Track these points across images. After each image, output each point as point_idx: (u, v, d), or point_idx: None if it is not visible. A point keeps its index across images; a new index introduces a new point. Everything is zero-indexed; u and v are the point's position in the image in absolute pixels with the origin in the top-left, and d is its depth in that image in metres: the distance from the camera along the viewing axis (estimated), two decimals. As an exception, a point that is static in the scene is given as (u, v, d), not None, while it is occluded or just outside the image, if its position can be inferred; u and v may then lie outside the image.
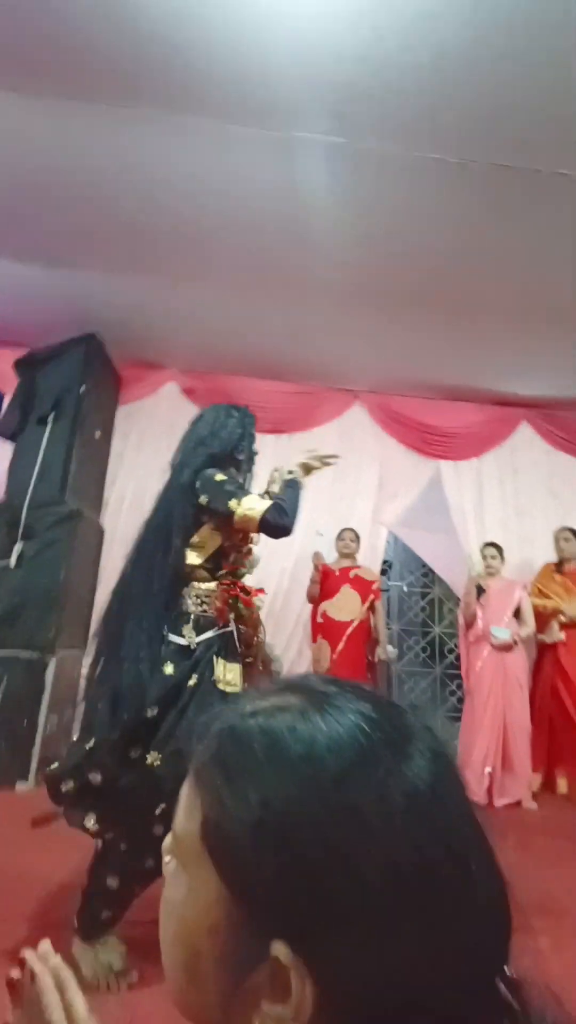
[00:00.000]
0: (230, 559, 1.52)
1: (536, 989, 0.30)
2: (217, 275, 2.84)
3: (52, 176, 2.32)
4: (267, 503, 1.46)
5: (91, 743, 1.32)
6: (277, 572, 3.43)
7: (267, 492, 1.65)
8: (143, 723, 1.30)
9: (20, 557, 2.89)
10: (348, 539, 3.38)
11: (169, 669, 1.36)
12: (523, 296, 2.79)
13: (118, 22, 1.70)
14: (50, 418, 3.13)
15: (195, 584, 1.47)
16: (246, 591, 1.54)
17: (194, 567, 1.48)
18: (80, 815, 1.30)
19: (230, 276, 2.84)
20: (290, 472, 1.58)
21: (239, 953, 0.29)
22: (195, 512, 1.48)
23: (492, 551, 3.28)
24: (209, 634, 1.42)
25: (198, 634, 1.41)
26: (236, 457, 1.59)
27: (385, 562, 4.27)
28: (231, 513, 1.44)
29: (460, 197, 2.25)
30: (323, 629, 3.27)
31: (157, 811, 1.21)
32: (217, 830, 0.30)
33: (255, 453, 1.68)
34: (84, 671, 3.31)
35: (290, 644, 3.48)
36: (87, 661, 3.50)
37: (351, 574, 3.33)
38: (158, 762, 1.26)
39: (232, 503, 1.44)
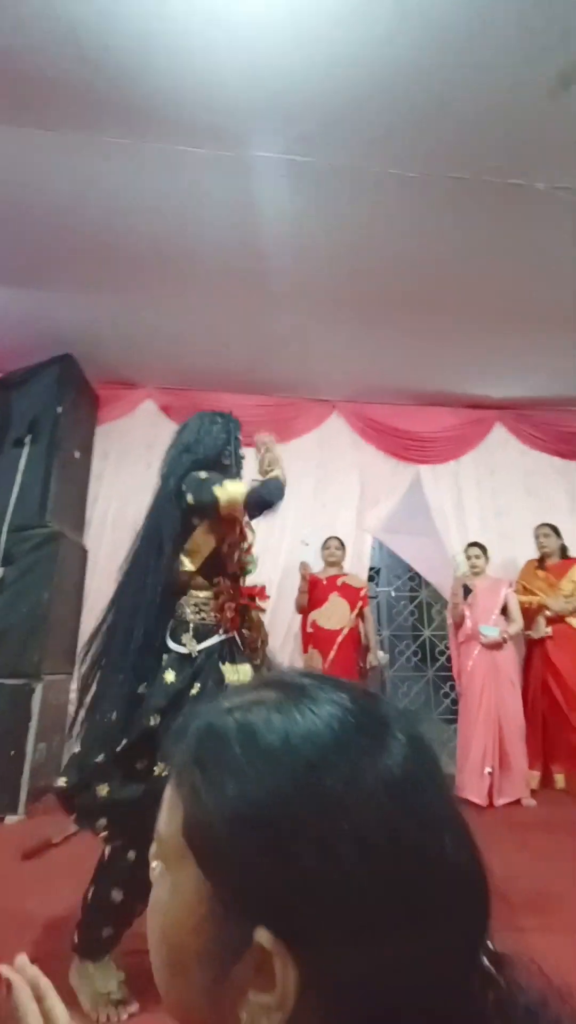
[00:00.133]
0: (230, 561, 1.51)
1: (522, 964, 0.31)
2: (188, 293, 2.87)
3: (17, 200, 2.33)
4: (243, 490, 1.46)
5: (99, 757, 1.31)
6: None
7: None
8: (145, 733, 1.28)
9: (1, 583, 2.83)
10: (333, 547, 3.39)
11: (170, 678, 1.35)
12: (489, 302, 2.87)
13: (74, 48, 1.73)
14: (27, 440, 3.10)
15: (192, 592, 1.47)
16: (251, 596, 1.56)
17: (190, 574, 1.48)
18: (91, 822, 1.30)
19: (201, 294, 2.87)
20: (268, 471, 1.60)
21: (223, 945, 0.29)
22: (185, 517, 1.48)
23: (476, 551, 3.32)
24: (210, 642, 1.42)
25: (198, 642, 1.41)
26: (222, 462, 1.60)
27: (372, 568, 4.29)
28: (216, 500, 1.44)
29: (422, 209, 2.33)
30: (313, 639, 3.26)
31: None
32: (197, 825, 0.31)
33: (242, 458, 1.68)
34: (72, 696, 3.26)
35: (281, 655, 3.46)
36: (75, 687, 3.44)
37: (338, 582, 3.34)
38: (165, 773, 1.24)
39: (216, 489, 1.45)
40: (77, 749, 1.39)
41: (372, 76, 1.79)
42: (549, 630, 3.21)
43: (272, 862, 0.28)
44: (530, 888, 1.82)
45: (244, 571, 1.55)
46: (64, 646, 3.19)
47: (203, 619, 1.44)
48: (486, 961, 0.30)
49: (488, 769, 2.90)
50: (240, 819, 0.29)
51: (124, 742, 1.29)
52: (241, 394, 3.79)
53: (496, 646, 3.09)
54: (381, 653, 3.50)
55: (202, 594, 1.47)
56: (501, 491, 3.85)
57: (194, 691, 1.33)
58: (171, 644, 1.41)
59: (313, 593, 3.31)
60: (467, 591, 3.25)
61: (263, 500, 1.47)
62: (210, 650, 1.41)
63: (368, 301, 2.90)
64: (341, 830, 0.28)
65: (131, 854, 1.28)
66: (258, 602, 1.58)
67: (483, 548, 3.34)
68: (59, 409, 3.18)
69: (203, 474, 1.49)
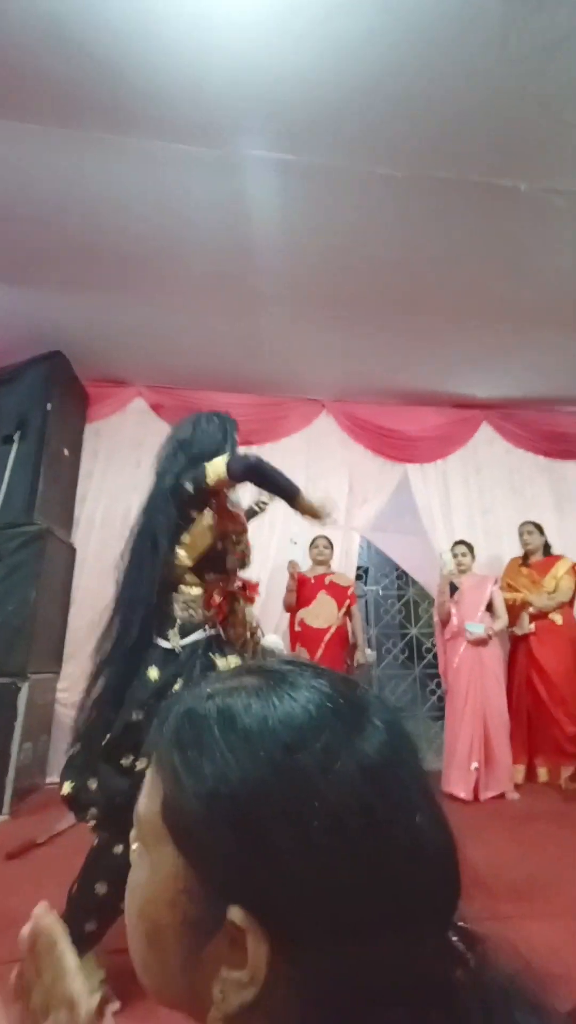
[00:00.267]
0: (229, 556, 1.53)
1: (494, 942, 0.32)
2: (177, 291, 2.88)
3: (6, 196, 2.32)
4: (223, 460, 1.47)
5: (87, 751, 1.33)
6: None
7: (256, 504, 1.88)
8: (128, 728, 1.29)
9: (-12, 580, 2.81)
10: (322, 546, 3.41)
11: (154, 674, 1.36)
12: (473, 301, 2.92)
13: (60, 44, 1.73)
14: (16, 437, 3.08)
15: (183, 588, 1.48)
16: (242, 585, 1.58)
17: (184, 569, 1.48)
18: (84, 812, 1.31)
19: (189, 291, 2.88)
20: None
21: (198, 921, 0.30)
22: (182, 511, 1.49)
23: (462, 549, 3.37)
24: (193, 637, 1.43)
25: (182, 637, 1.42)
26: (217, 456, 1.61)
27: (360, 567, 4.32)
28: (206, 476, 1.46)
29: (408, 208, 2.36)
30: (301, 637, 3.28)
31: None
32: (175, 805, 0.32)
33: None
34: (58, 696, 3.24)
35: (269, 653, 3.47)
36: (61, 685, 3.42)
37: (326, 580, 3.36)
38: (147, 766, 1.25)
39: (206, 466, 1.47)
40: (76, 747, 1.40)
41: (358, 75, 1.81)
42: (532, 626, 3.26)
43: (246, 841, 0.29)
44: (516, 876, 1.86)
45: (243, 564, 1.57)
46: (51, 645, 3.17)
47: (191, 616, 1.45)
48: (456, 939, 0.31)
49: (474, 764, 2.94)
50: (216, 799, 0.30)
51: (108, 736, 1.30)
52: (231, 393, 3.80)
53: (482, 643, 3.14)
54: (369, 651, 3.53)
55: (192, 591, 1.48)
56: (487, 489, 3.91)
57: (177, 686, 1.34)
58: (157, 640, 1.41)
59: (301, 592, 3.33)
60: (453, 589, 3.29)
61: (243, 468, 1.46)
62: (194, 646, 1.42)
63: (356, 301, 2.93)
64: (314, 811, 0.29)
65: (118, 848, 1.28)
66: (248, 594, 1.60)
67: (469, 546, 3.39)
68: (48, 406, 3.16)
69: (202, 465, 1.51)
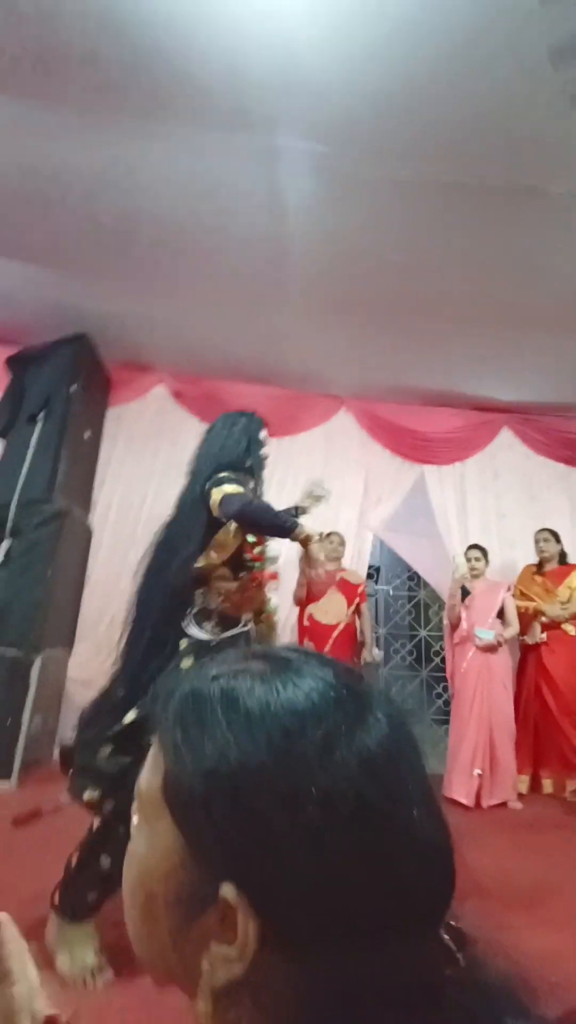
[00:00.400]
0: (248, 560, 1.58)
1: (486, 944, 0.32)
2: (204, 279, 2.90)
3: (41, 179, 2.36)
4: (224, 494, 1.50)
5: (111, 728, 1.35)
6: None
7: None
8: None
9: (7, 555, 2.87)
10: (336, 543, 3.42)
11: (187, 663, 1.40)
12: (501, 305, 2.89)
13: (106, 30, 1.76)
14: (40, 417, 3.14)
15: (218, 583, 1.53)
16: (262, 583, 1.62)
17: (215, 566, 1.54)
18: (81, 788, 1.33)
19: (216, 280, 2.90)
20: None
21: (191, 895, 0.31)
22: (207, 521, 1.55)
23: (476, 553, 3.34)
24: (233, 631, 1.50)
25: (223, 631, 1.48)
26: (245, 465, 1.66)
27: (371, 567, 4.31)
28: (210, 500, 1.51)
29: (437, 209, 2.34)
30: (309, 632, 3.29)
31: None
32: (175, 780, 0.32)
33: (264, 457, 1.72)
34: (70, 672, 3.30)
35: (277, 646, 3.49)
36: (73, 663, 3.49)
37: (337, 577, 3.36)
38: None
39: (212, 492, 1.51)
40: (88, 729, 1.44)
41: (394, 73, 1.80)
42: (544, 636, 3.22)
43: (241, 820, 0.30)
44: (516, 884, 1.86)
45: (265, 561, 1.61)
46: (64, 623, 3.24)
47: (226, 608, 1.52)
48: (446, 937, 0.31)
49: (477, 771, 2.92)
50: (215, 777, 0.31)
51: (133, 718, 1.33)
52: (252, 384, 3.82)
53: (491, 649, 3.11)
54: (376, 650, 3.53)
55: (227, 585, 1.53)
56: (504, 495, 3.87)
57: None
58: (192, 631, 1.47)
59: (311, 587, 3.34)
60: (465, 593, 3.27)
61: (238, 513, 1.48)
62: (234, 639, 1.48)
63: (381, 298, 2.92)
64: (310, 796, 0.29)
65: (123, 828, 1.31)
66: (269, 586, 1.64)
67: (483, 551, 3.36)
68: (72, 388, 3.21)
69: (223, 473, 1.57)
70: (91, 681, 3.27)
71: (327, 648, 3.19)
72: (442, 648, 3.82)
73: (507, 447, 3.97)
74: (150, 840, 0.34)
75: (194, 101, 1.97)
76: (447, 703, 3.60)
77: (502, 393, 3.83)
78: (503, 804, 2.90)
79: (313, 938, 0.29)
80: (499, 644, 3.11)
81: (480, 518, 3.80)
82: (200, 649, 1.44)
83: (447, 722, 3.31)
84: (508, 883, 1.84)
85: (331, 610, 3.30)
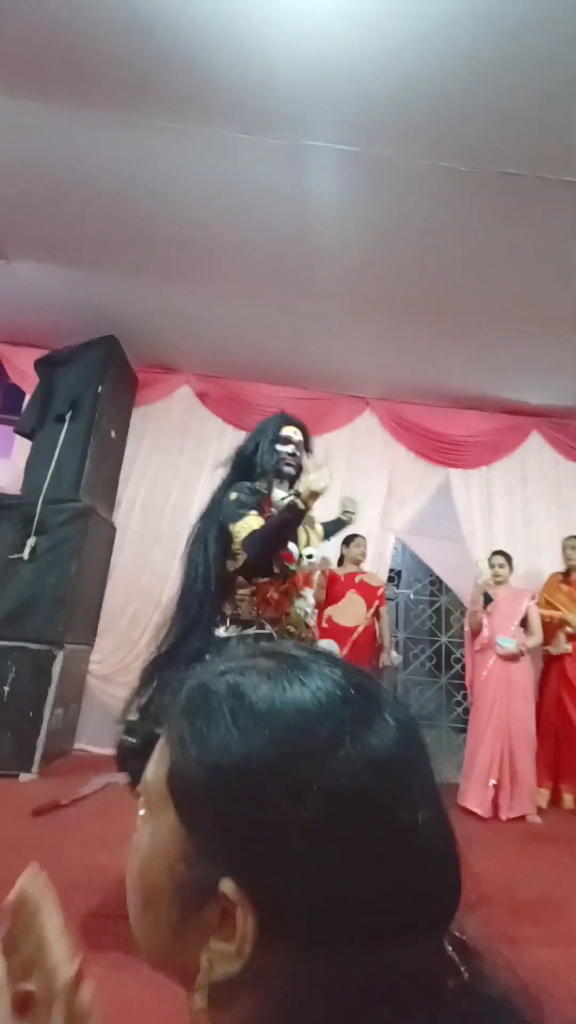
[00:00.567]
0: (272, 565, 1.62)
1: (491, 957, 0.31)
2: (230, 280, 2.91)
3: (72, 181, 2.41)
4: (250, 530, 1.55)
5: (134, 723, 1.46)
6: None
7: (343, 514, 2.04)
8: None
9: (33, 551, 2.95)
10: (364, 545, 3.40)
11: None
12: (533, 304, 2.81)
13: (135, 31, 1.78)
14: (67, 417, 3.21)
15: (236, 590, 1.61)
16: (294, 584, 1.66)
17: (233, 574, 1.61)
18: (123, 771, 1.41)
19: (242, 281, 2.91)
20: (285, 498, 1.64)
21: (192, 889, 0.31)
22: (219, 533, 1.62)
23: (500, 559, 3.27)
24: (249, 632, 1.56)
25: (240, 631, 1.56)
26: (260, 468, 1.70)
27: (392, 570, 4.27)
28: (233, 534, 1.59)
29: (470, 205, 2.29)
30: (328, 635, 3.27)
31: None
32: (180, 773, 0.33)
33: (280, 458, 1.73)
34: (91, 667, 3.38)
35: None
36: (95, 658, 3.57)
37: (357, 579, 3.34)
38: None
39: (234, 527, 1.58)
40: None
41: (423, 67, 1.78)
42: (569, 647, 3.13)
43: (243, 816, 0.30)
44: (528, 898, 1.81)
45: (285, 573, 1.63)
46: (87, 618, 3.31)
47: (239, 614, 1.59)
48: (450, 948, 0.30)
49: (492, 781, 2.86)
50: (218, 770, 0.31)
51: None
52: (276, 385, 3.83)
53: (512, 658, 3.04)
54: (395, 654, 3.49)
55: (241, 591, 1.60)
56: (532, 500, 3.77)
57: None
58: (217, 632, 1.57)
59: (331, 589, 3.32)
60: (488, 599, 3.20)
61: (249, 555, 1.56)
62: (245, 639, 1.55)
63: (409, 298, 2.88)
64: (311, 792, 0.29)
65: None
66: (301, 592, 1.67)
67: (508, 557, 3.28)
68: (100, 388, 3.28)
69: (233, 495, 1.62)
70: (112, 676, 3.34)
71: (346, 650, 3.17)
72: (463, 655, 3.76)
73: (536, 452, 3.87)
74: (154, 832, 0.34)
75: (223, 101, 1.98)
76: (466, 711, 3.53)
77: (533, 396, 3.73)
78: (522, 818, 2.84)
79: (312, 937, 0.28)
80: (521, 653, 3.04)
81: (506, 523, 3.72)
82: (217, 645, 1.52)
83: (466, 730, 3.25)
84: (518, 896, 1.80)
85: (350, 612, 3.28)
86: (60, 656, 2.88)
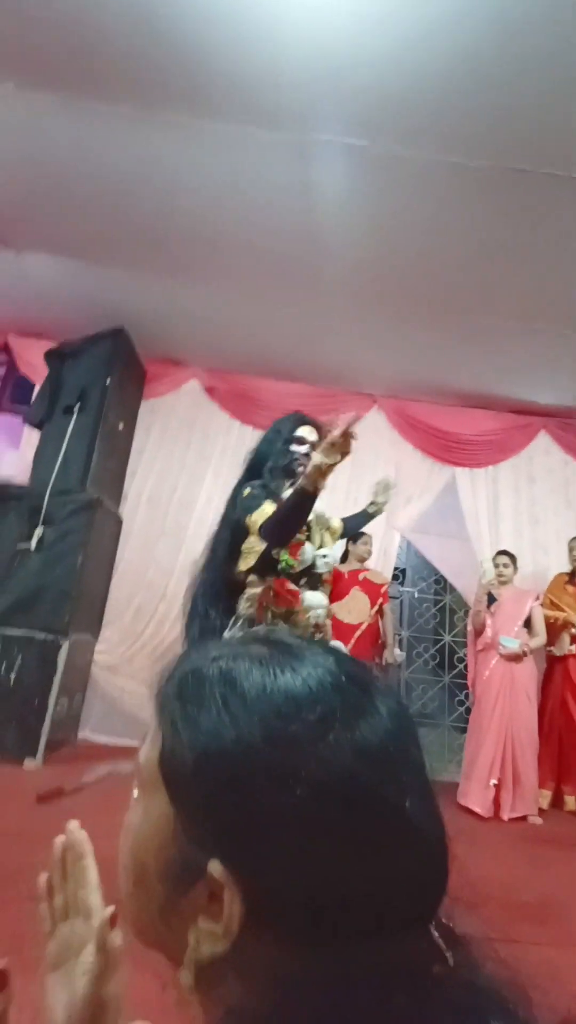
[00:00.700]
0: (276, 559, 1.63)
1: (479, 946, 0.31)
2: (238, 275, 2.91)
3: (81, 175, 2.41)
4: (265, 516, 1.56)
5: None
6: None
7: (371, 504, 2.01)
8: None
9: (40, 542, 2.97)
10: (371, 543, 3.40)
11: None
12: (543, 302, 2.79)
13: (144, 28, 1.77)
14: (76, 408, 3.23)
15: (248, 589, 1.62)
16: (289, 589, 1.64)
17: (244, 573, 1.62)
18: None
19: (250, 277, 2.90)
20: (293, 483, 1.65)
21: (181, 870, 0.31)
22: (239, 523, 1.63)
23: (504, 559, 3.26)
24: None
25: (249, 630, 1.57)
26: (274, 466, 1.71)
27: (397, 568, 4.26)
28: (248, 520, 1.59)
29: (479, 201, 2.27)
30: (331, 631, 3.28)
31: None
32: (171, 755, 0.33)
33: (294, 458, 1.73)
34: (96, 658, 3.40)
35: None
36: (99, 648, 3.60)
37: (360, 576, 3.35)
38: None
39: (250, 518, 1.58)
40: None
41: (432, 61, 1.76)
42: (573, 648, 3.12)
43: (231, 798, 0.30)
44: (526, 898, 1.82)
45: (283, 564, 1.64)
46: (92, 610, 3.33)
47: (252, 614, 1.59)
48: (436, 934, 0.30)
49: (493, 781, 2.87)
50: (208, 754, 0.31)
51: None
52: (284, 381, 3.82)
53: (515, 658, 3.04)
54: (397, 651, 3.50)
55: (253, 590, 1.61)
56: (539, 500, 3.75)
57: None
58: (226, 635, 1.58)
59: (335, 586, 3.32)
60: (491, 599, 3.19)
61: (267, 540, 1.58)
62: None
63: (418, 294, 2.86)
64: (299, 777, 0.29)
65: None
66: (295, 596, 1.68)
67: (512, 557, 3.27)
68: (108, 381, 3.29)
69: (247, 490, 1.63)
70: (116, 667, 3.38)
71: (349, 647, 3.18)
72: (466, 654, 3.75)
73: (544, 452, 3.84)
74: (145, 812, 0.34)
75: (231, 96, 1.97)
76: (469, 710, 3.53)
77: (542, 396, 3.70)
78: (523, 818, 2.84)
79: (296, 920, 0.29)
80: (524, 654, 3.04)
81: (512, 523, 3.70)
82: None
83: (467, 729, 3.26)
84: (516, 897, 1.81)
85: (354, 609, 3.29)
86: (65, 646, 2.90)
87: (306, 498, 1.50)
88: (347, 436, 1.40)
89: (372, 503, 2.20)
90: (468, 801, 2.84)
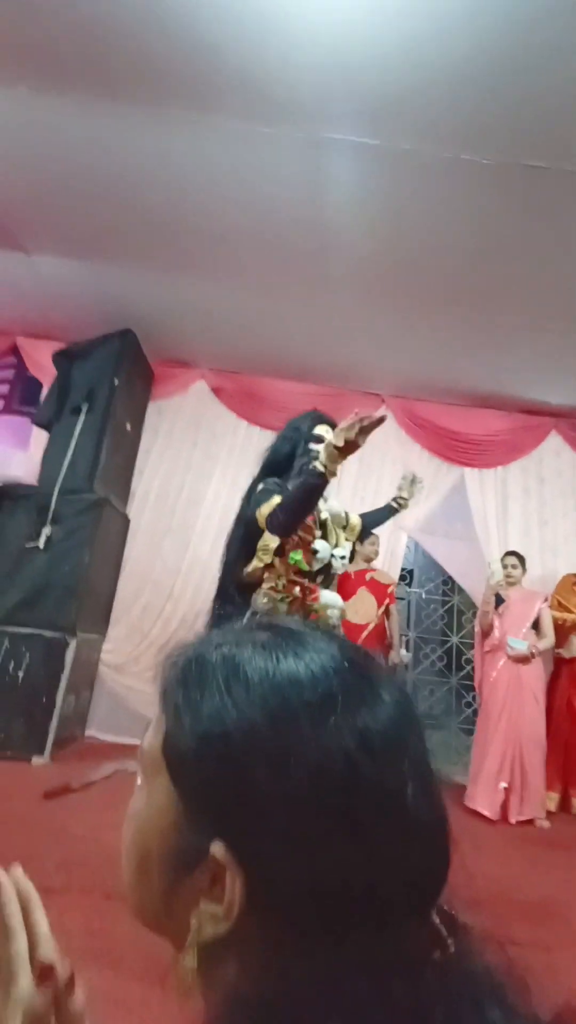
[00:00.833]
0: (287, 556, 1.64)
1: (480, 935, 0.31)
2: (246, 275, 2.91)
3: (90, 175, 2.42)
4: (266, 516, 1.57)
5: None
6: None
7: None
8: None
9: (48, 540, 3.00)
10: (377, 544, 3.39)
11: None
12: (555, 300, 2.76)
13: (153, 25, 1.78)
14: (83, 409, 3.25)
15: (263, 585, 1.62)
16: (308, 587, 1.66)
17: (261, 569, 1.63)
18: None
19: (258, 276, 2.90)
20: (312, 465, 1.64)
21: (183, 852, 0.32)
22: (251, 522, 1.63)
23: (513, 560, 3.23)
24: None
25: None
26: (290, 463, 1.72)
27: (404, 569, 4.24)
28: (257, 513, 1.60)
29: (489, 198, 2.26)
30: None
31: None
32: (174, 740, 0.33)
33: (312, 454, 1.72)
34: (103, 656, 3.42)
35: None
36: (106, 647, 3.61)
37: (367, 577, 3.33)
38: None
39: (259, 511, 1.59)
40: None
41: (444, 57, 1.75)
42: (583, 650, 3.09)
43: (232, 780, 0.30)
44: (532, 901, 1.80)
45: (292, 560, 1.65)
46: (99, 608, 3.35)
47: (269, 607, 1.59)
48: (437, 920, 0.30)
49: (503, 784, 2.84)
50: (209, 737, 0.31)
51: None
52: (291, 381, 3.82)
53: (523, 660, 3.01)
54: (404, 652, 3.49)
55: (269, 585, 1.62)
56: (549, 501, 3.72)
57: None
58: None
59: (342, 586, 3.31)
60: (499, 600, 3.17)
61: (273, 529, 1.58)
62: None
63: (429, 293, 2.85)
64: (299, 758, 0.29)
65: None
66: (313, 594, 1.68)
67: (521, 558, 3.24)
68: (116, 381, 3.31)
69: (261, 486, 1.64)
70: (122, 665, 3.39)
71: (355, 648, 3.17)
72: (474, 656, 3.73)
73: (555, 453, 3.80)
74: (149, 798, 0.35)
75: (242, 94, 1.97)
76: (476, 712, 3.51)
77: (553, 396, 3.66)
78: (531, 821, 2.81)
79: (296, 902, 0.29)
80: (532, 655, 3.01)
81: (521, 524, 3.67)
82: None
83: (474, 732, 3.23)
84: (519, 898, 1.79)
85: (361, 609, 3.27)
86: (72, 644, 2.92)
87: (318, 482, 1.49)
88: (370, 426, 1.43)
89: (397, 498, 2.15)
90: (476, 804, 2.82)
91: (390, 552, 3.64)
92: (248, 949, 0.30)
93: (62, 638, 2.91)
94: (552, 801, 2.97)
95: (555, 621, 3.12)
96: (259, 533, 1.62)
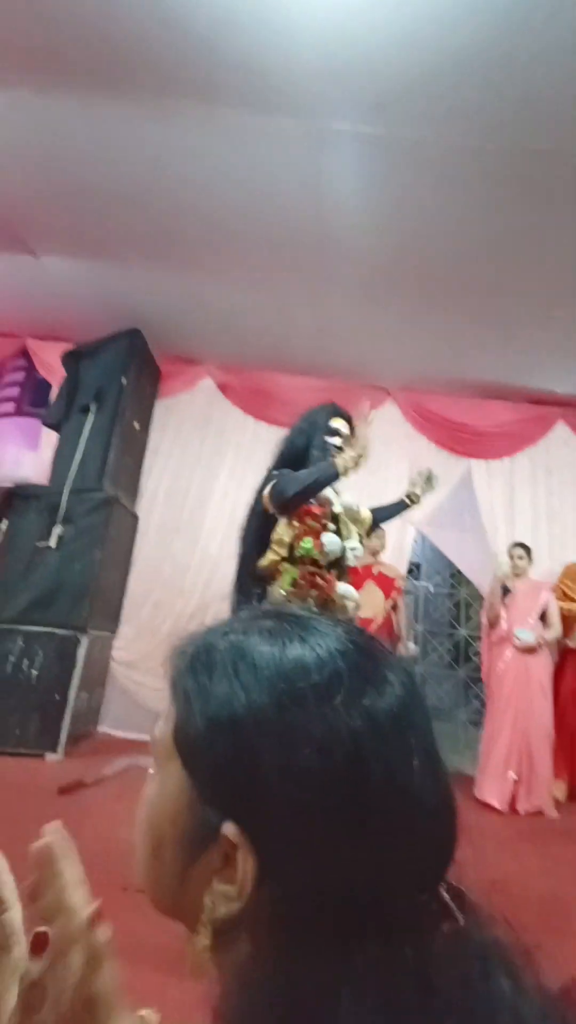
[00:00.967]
0: (296, 546, 1.65)
1: (487, 910, 0.32)
2: (252, 270, 2.91)
3: (96, 175, 2.43)
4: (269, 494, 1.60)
5: None
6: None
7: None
8: None
9: (59, 539, 3.03)
10: (383, 537, 3.39)
11: None
12: (561, 289, 2.73)
13: (156, 22, 1.78)
14: (92, 408, 3.27)
15: (279, 578, 1.63)
16: (325, 578, 1.68)
17: (277, 562, 1.64)
18: None
19: (265, 271, 2.90)
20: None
21: (196, 834, 0.33)
22: (260, 524, 1.66)
23: (520, 551, 3.22)
24: None
25: None
26: (307, 454, 1.73)
27: (412, 563, 4.24)
28: (262, 498, 1.61)
29: (494, 187, 2.24)
30: (348, 624, 3.29)
31: None
32: (184, 726, 0.35)
33: (328, 446, 1.76)
34: (114, 653, 3.46)
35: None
36: (117, 644, 3.65)
37: (374, 571, 3.34)
38: None
39: (263, 496, 1.59)
40: None
41: (448, 45, 1.74)
42: (590, 640, 3.08)
43: (241, 761, 0.31)
44: (540, 892, 1.81)
45: (302, 550, 1.67)
46: (111, 606, 3.39)
47: (288, 601, 1.60)
48: (446, 895, 0.31)
49: (513, 775, 2.85)
50: (219, 721, 0.32)
51: None
52: (297, 376, 3.82)
53: (530, 651, 3.01)
54: (411, 645, 3.49)
55: (288, 578, 1.63)
56: (556, 492, 3.70)
57: None
58: None
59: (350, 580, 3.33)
60: (506, 591, 3.17)
61: (274, 499, 1.60)
62: None
63: (434, 283, 2.83)
64: (306, 738, 0.30)
65: None
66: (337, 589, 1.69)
67: (527, 549, 3.23)
68: (124, 381, 3.32)
69: (275, 472, 1.66)
70: (134, 662, 3.43)
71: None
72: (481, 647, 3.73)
73: (562, 443, 3.78)
74: (161, 784, 0.36)
75: (245, 87, 1.97)
76: (484, 704, 3.51)
77: (560, 385, 3.63)
78: (539, 812, 2.82)
79: (306, 880, 0.30)
80: (539, 646, 3.01)
81: (529, 515, 3.66)
82: None
83: (482, 724, 3.24)
84: (528, 888, 1.80)
85: (368, 603, 3.27)
86: (84, 642, 2.96)
87: (332, 474, 1.56)
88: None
89: (410, 494, 2.15)
90: (484, 795, 2.83)
91: (398, 545, 3.64)
92: (260, 928, 0.31)
93: (74, 636, 2.95)
94: (560, 790, 2.98)
95: (562, 611, 3.11)
96: (272, 524, 1.64)
